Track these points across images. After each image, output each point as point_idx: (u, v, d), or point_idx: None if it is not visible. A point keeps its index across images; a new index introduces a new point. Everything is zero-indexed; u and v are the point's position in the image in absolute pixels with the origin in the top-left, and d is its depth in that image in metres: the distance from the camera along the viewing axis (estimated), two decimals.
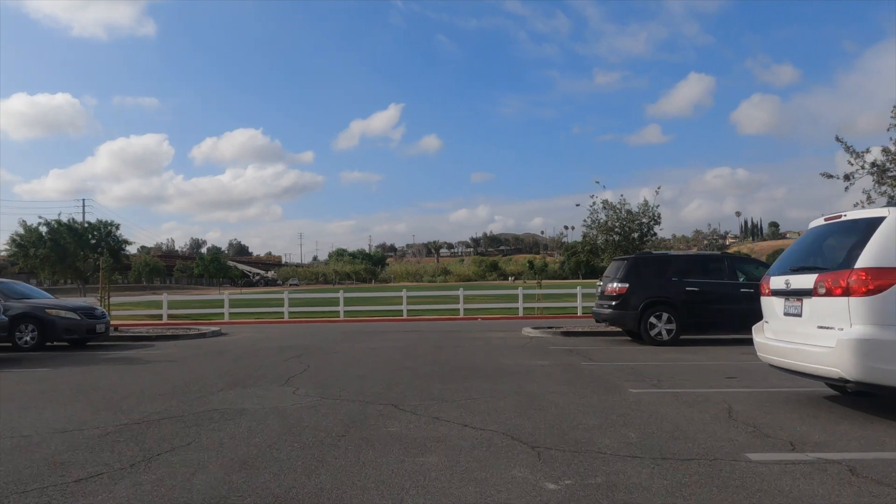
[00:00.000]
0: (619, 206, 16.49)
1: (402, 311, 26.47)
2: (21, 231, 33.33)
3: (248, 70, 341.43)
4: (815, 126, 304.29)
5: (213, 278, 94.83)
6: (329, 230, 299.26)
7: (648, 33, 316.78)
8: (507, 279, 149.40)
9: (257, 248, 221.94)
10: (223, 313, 26.18)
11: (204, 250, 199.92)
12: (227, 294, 27.27)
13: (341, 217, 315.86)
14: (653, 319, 12.47)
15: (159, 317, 25.82)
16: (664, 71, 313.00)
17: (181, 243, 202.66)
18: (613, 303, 12.94)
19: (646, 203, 16.40)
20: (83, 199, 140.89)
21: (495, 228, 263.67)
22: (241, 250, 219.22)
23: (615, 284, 12.90)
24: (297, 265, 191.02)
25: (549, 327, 17.08)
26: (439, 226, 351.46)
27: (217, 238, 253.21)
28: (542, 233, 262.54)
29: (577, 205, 16.96)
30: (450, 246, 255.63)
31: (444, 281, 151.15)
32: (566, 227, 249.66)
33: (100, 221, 35.20)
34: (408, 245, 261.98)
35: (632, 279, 12.81)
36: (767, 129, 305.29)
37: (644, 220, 16.25)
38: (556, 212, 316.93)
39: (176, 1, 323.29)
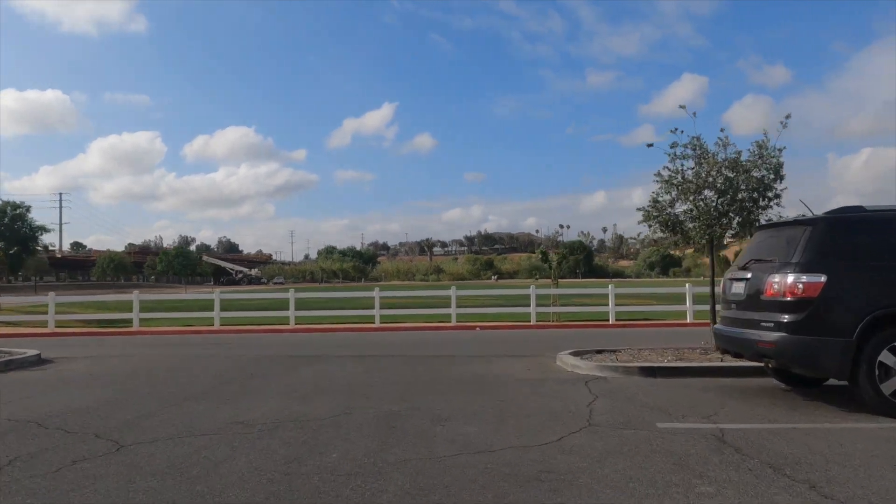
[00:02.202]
0: (720, 143, 9.72)
1: (374, 316, 19.73)
2: None
3: (241, 67, 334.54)
4: (808, 128, 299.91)
5: (179, 275, 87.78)
6: (322, 229, 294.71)
7: (641, 34, 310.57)
8: (491, 278, 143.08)
9: (250, 247, 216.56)
10: (132, 319, 19.41)
11: (193, 248, 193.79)
12: (137, 295, 20.43)
13: (334, 216, 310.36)
14: (887, 356, 5.97)
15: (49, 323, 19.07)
16: (657, 71, 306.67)
17: (170, 241, 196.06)
18: (788, 317, 6.20)
19: (762, 146, 9.67)
20: (60, 194, 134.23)
21: (489, 228, 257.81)
22: (230, 248, 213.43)
23: (793, 278, 6.14)
24: (284, 263, 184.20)
25: (597, 351, 10.46)
26: (433, 225, 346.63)
27: (209, 236, 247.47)
28: (538, 232, 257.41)
29: (650, 145, 10.25)
30: (443, 245, 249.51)
31: (437, 280, 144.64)
32: (561, 227, 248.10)
33: (5, 203, 28.35)
34: (401, 243, 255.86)
35: (832, 266, 6.19)
36: (759, 131, 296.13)
37: (758, 174, 9.56)
38: (550, 212, 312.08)
39: None
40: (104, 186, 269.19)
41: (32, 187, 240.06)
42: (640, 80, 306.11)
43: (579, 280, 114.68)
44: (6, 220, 27.80)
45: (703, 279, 14.43)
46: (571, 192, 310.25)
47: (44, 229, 29.83)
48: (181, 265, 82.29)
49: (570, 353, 10.23)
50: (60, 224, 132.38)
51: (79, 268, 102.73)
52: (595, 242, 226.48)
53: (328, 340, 15.76)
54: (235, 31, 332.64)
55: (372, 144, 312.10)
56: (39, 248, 29.96)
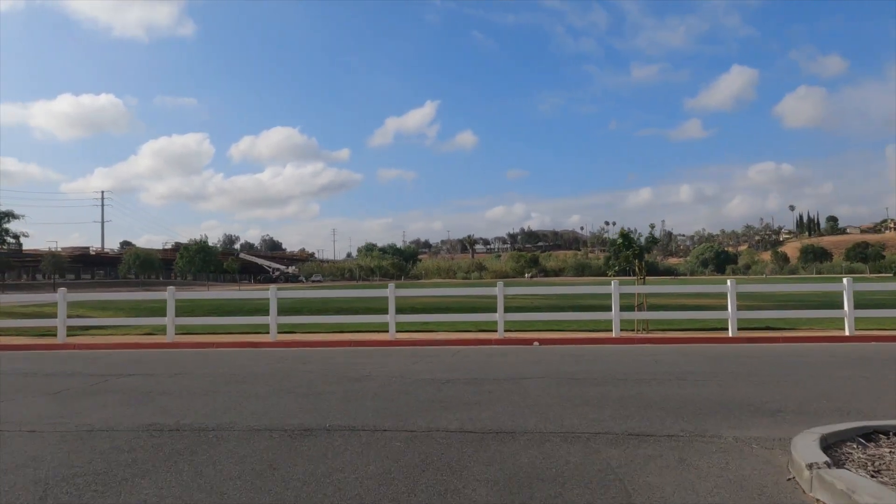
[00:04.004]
0: None
1: (395, 325, 14.14)
2: None
3: (285, 68, 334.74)
4: (865, 119, 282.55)
5: (202, 273, 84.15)
6: (365, 228, 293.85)
7: (688, 26, 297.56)
8: (525, 275, 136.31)
9: (294, 246, 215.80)
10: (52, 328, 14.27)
11: (237, 246, 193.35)
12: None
13: (377, 215, 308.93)
14: None
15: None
16: (705, 64, 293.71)
17: (215, 240, 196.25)
18: None
19: None
20: (102, 192, 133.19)
21: (532, 225, 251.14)
22: (273, 246, 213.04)
23: None
24: (324, 261, 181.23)
25: (867, 435, 4.54)
26: (475, 223, 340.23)
27: (255, 236, 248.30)
28: (582, 229, 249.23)
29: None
30: (486, 242, 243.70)
31: (479, 278, 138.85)
32: (606, 223, 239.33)
33: None
34: (442, 241, 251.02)
35: None
36: (814, 123, 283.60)
37: None
38: (594, 209, 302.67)
39: (214, 0, 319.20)
40: (155, 187, 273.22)
41: (88, 188, 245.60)
42: (686, 73, 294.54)
43: (664, 277, 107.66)
44: None
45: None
46: (616, 189, 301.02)
47: (11, 215, 24.96)
48: (202, 261, 78.33)
49: (818, 441, 4.35)
50: (102, 222, 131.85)
51: (110, 265, 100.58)
52: (642, 240, 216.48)
53: (305, 372, 10.22)
54: (279, 33, 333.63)
55: (414, 143, 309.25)
56: (10, 238, 24.97)
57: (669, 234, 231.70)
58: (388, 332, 14.18)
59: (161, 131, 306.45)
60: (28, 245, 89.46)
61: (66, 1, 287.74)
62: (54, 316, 14.76)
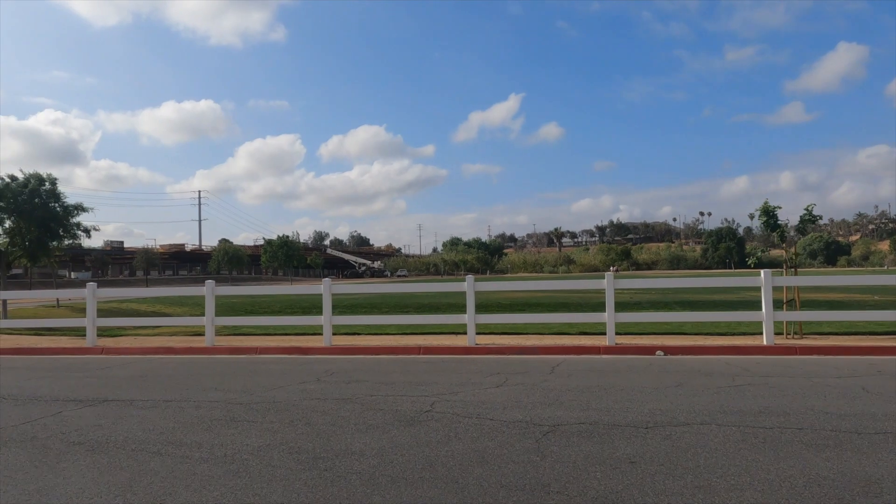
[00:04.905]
0: None
1: (475, 326, 11.23)
2: None
3: (370, 68, 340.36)
4: None
5: (284, 267, 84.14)
6: (451, 223, 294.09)
7: (788, 3, 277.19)
8: (610, 269, 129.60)
9: (381, 241, 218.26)
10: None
11: (327, 242, 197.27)
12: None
13: (462, 210, 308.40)
14: None
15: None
16: (807, 43, 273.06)
17: (306, 237, 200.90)
18: None
19: None
20: (199, 192, 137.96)
21: (621, 218, 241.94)
22: (361, 242, 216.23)
23: None
24: (409, 256, 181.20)
25: None
26: (560, 216, 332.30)
27: (344, 232, 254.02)
28: (675, 220, 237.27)
29: None
30: (573, 235, 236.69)
31: (567, 271, 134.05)
32: (701, 214, 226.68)
33: (29, 176, 22.68)
34: (528, 235, 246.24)
35: None
36: None
37: None
38: (686, 199, 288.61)
39: (303, 4, 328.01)
40: (251, 187, 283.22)
41: (190, 190, 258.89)
42: (786, 54, 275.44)
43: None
44: (24, 195, 21.98)
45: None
46: (709, 178, 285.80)
47: (80, 209, 23.84)
48: (285, 256, 78.30)
49: None
50: (199, 221, 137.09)
51: (204, 261, 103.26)
52: (741, 230, 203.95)
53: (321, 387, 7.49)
54: (365, 34, 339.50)
55: (498, 137, 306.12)
56: (80, 232, 23.95)
57: None
58: (466, 333, 11.31)
59: (256, 133, 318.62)
60: (132, 243, 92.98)
61: (168, 14, 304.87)
62: (129, 313, 12.80)
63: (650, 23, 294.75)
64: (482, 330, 12.45)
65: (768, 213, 12.33)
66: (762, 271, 10.77)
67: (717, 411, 5.60)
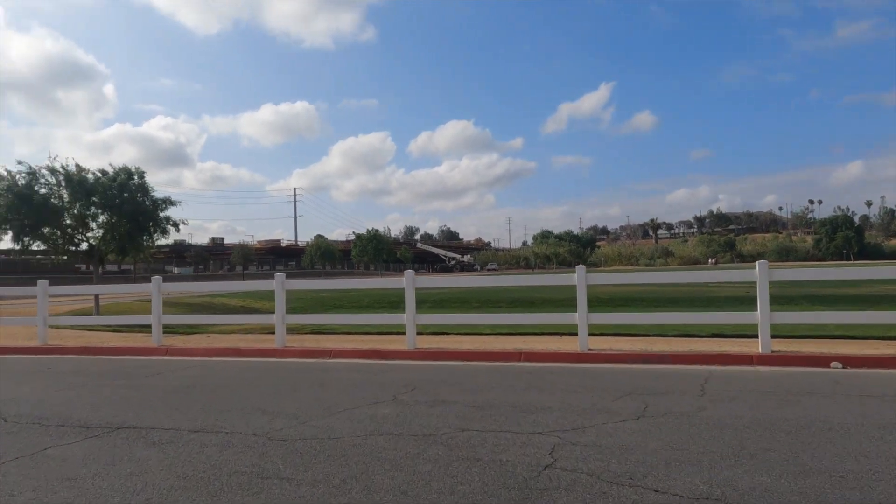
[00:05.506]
0: None
1: (585, 325, 9.17)
2: None
3: (458, 63, 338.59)
4: None
5: (375, 261, 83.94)
6: (540, 216, 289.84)
7: None
8: (708, 262, 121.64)
9: (471, 236, 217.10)
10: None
11: (417, 237, 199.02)
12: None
13: (552, 202, 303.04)
14: None
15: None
16: None
17: (397, 233, 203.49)
18: None
19: None
20: (294, 190, 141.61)
21: (720, 207, 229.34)
22: (451, 236, 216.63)
23: None
24: (499, 250, 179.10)
25: None
26: (654, 208, 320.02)
27: (433, 227, 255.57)
28: (781, 209, 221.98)
29: None
30: (669, 227, 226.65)
31: (665, 264, 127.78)
32: (811, 202, 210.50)
33: (119, 170, 22.37)
34: (621, 227, 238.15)
35: None
36: None
37: None
38: (792, 187, 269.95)
39: (391, 3, 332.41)
40: (344, 184, 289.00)
41: (287, 188, 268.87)
42: None
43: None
44: (113, 189, 21.67)
45: None
46: (818, 165, 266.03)
47: (169, 202, 23.43)
48: (375, 250, 78.05)
49: None
50: (295, 217, 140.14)
51: (298, 256, 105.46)
52: (857, 219, 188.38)
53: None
54: (453, 29, 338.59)
55: (588, 127, 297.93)
56: (170, 226, 23.57)
57: (892, 212, 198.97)
58: (576, 335, 9.27)
59: (348, 132, 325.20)
60: (235, 240, 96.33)
61: (265, 20, 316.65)
62: (219, 308, 11.70)
63: (752, 2, 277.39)
64: (595, 330, 10.36)
65: None
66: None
67: None
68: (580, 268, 9.48)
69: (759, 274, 8.61)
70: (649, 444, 4.28)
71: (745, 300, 16.16)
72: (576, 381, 7.05)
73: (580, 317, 9.15)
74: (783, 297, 16.51)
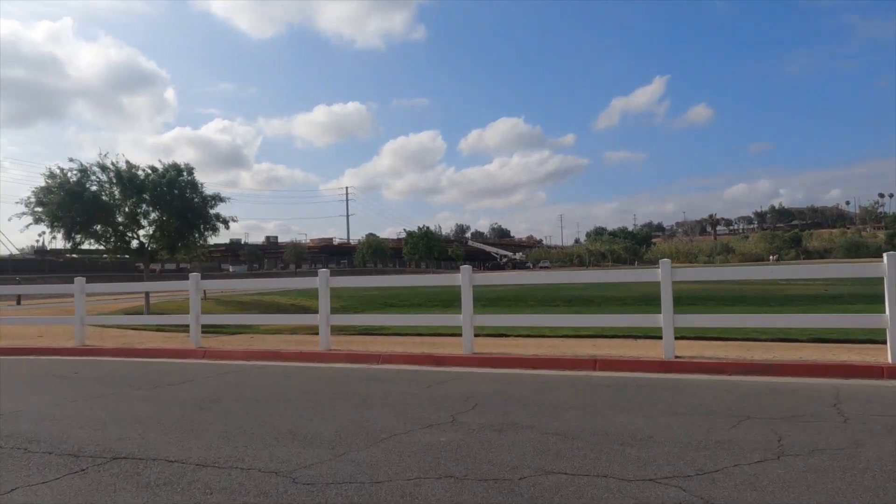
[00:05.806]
0: None
1: (670, 328, 7.85)
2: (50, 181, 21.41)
3: (508, 60, 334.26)
4: None
5: (426, 259, 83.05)
6: (593, 213, 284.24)
7: None
8: (769, 259, 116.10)
9: (522, 233, 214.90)
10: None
11: (468, 235, 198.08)
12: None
13: (604, 199, 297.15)
14: None
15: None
16: None
17: (448, 231, 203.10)
18: None
19: None
20: (346, 189, 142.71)
21: (783, 203, 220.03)
22: (502, 234, 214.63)
23: None
24: (551, 247, 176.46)
25: None
26: (711, 203, 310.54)
27: (484, 225, 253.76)
28: (848, 203, 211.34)
29: None
30: (728, 223, 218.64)
31: (725, 261, 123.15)
32: (881, 195, 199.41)
33: (168, 167, 21.98)
34: (677, 223, 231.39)
35: None
36: None
37: None
38: (859, 181, 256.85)
39: (441, 2, 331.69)
40: (395, 184, 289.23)
41: (340, 188, 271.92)
42: None
43: None
44: (163, 186, 21.27)
45: None
46: (888, 157, 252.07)
47: (218, 199, 22.94)
48: (426, 248, 77.24)
49: None
50: (347, 216, 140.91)
51: (350, 254, 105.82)
52: None
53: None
54: (502, 27, 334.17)
55: (642, 122, 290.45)
56: (219, 223, 23.11)
57: None
58: (653, 338, 7.99)
59: (398, 131, 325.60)
60: (289, 238, 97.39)
61: (318, 22, 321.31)
62: (269, 306, 10.92)
63: None
64: (681, 333, 9.03)
65: None
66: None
67: None
68: (664, 261, 8.16)
69: (888, 266, 7.12)
70: (813, 502, 3.03)
71: (820, 299, 14.40)
72: (669, 397, 5.81)
73: (665, 318, 7.84)
74: None
